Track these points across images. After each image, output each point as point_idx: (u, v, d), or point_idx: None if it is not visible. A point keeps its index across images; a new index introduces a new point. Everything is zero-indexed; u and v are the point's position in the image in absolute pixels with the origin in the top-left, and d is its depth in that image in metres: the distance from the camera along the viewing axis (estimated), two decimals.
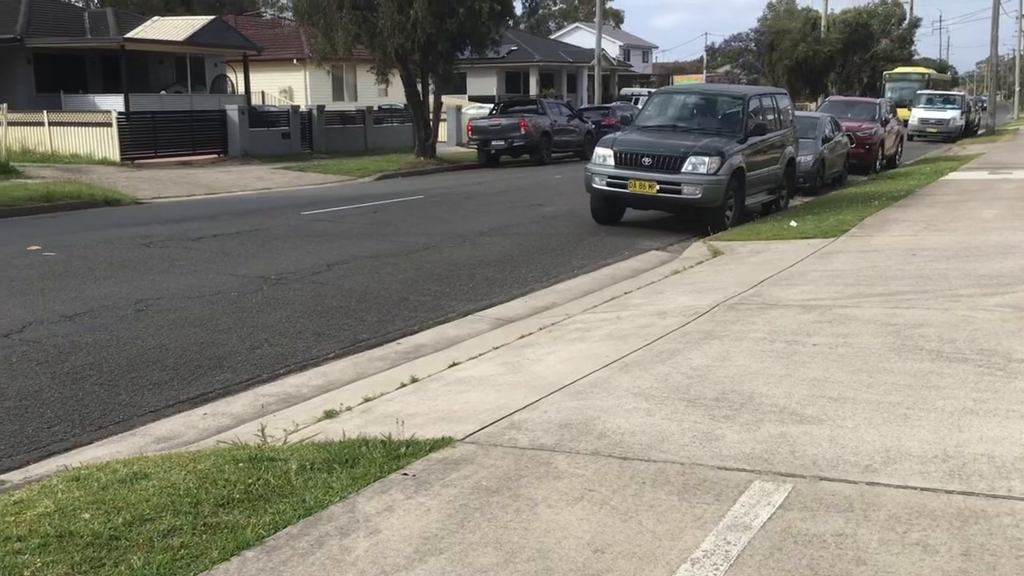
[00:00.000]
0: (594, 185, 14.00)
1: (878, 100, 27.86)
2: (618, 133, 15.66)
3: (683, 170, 13.19)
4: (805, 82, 56.48)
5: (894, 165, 26.00)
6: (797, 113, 19.32)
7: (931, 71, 54.68)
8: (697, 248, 11.84)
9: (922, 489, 3.86)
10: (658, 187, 13.32)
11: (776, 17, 65.24)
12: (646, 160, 13.46)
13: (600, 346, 6.59)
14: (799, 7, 67.30)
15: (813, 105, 49.47)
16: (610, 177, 13.73)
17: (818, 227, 12.41)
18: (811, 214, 14.19)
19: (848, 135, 21.95)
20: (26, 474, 4.82)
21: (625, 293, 8.96)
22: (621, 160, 13.67)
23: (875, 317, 6.95)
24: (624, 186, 13.59)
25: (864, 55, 57.27)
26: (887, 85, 48.68)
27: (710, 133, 14.12)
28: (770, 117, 15.34)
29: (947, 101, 42.30)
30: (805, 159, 18.05)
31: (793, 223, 13.03)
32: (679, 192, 13.23)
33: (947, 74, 72.05)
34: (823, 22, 57.47)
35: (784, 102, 16.54)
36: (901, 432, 4.52)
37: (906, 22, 67.53)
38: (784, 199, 16.13)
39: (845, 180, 21.23)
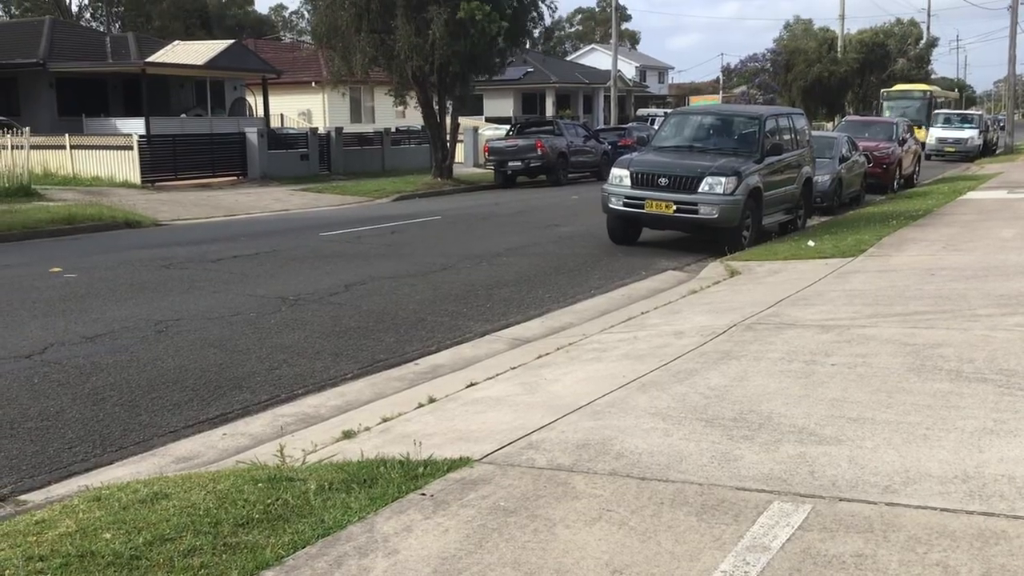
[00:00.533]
0: (611, 205, 14.02)
1: (895, 120, 27.81)
2: (634, 154, 15.69)
3: (700, 190, 13.20)
4: (822, 102, 56.54)
5: (912, 185, 25.92)
6: (814, 133, 19.32)
7: (934, 88, 51.19)
8: (714, 268, 11.83)
9: (942, 510, 3.84)
10: (675, 207, 13.33)
11: (792, 37, 65.25)
12: (663, 180, 13.49)
13: (617, 366, 6.59)
14: (816, 27, 67.33)
15: (830, 125, 49.37)
16: (627, 197, 13.75)
17: (836, 247, 12.38)
18: (829, 234, 14.16)
19: (865, 155, 21.92)
20: (48, 494, 4.86)
21: (642, 313, 8.96)
22: (638, 180, 13.70)
23: (894, 337, 6.93)
24: (641, 206, 13.61)
25: (881, 75, 57.33)
26: (885, 104, 45.88)
27: (726, 153, 14.14)
28: (786, 137, 15.35)
29: (965, 120, 42.24)
30: (822, 179, 18.03)
31: (811, 243, 13.00)
32: (696, 212, 13.23)
33: (954, 92, 65.96)
34: (840, 42, 57.54)
35: (800, 122, 16.54)
36: (921, 452, 4.50)
37: (923, 42, 67.53)
38: (801, 219, 16.12)
39: (863, 200, 21.18)
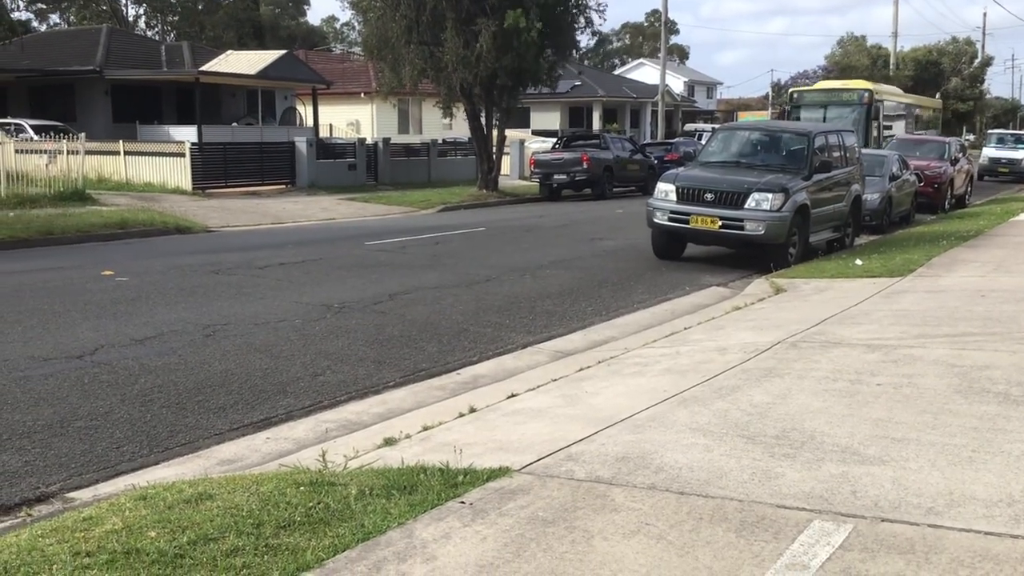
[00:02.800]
0: (655, 220, 13.99)
1: (948, 139, 27.39)
2: (680, 168, 15.64)
3: (746, 206, 13.12)
4: None
5: (963, 205, 25.55)
6: (864, 151, 19.12)
7: (883, 87, 33.94)
8: (759, 285, 11.75)
9: (986, 533, 3.79)
10: (720, 223, 13.26)
11: (844, 54, 64.63)
12: (708, 196, 13.43)
13: (659, 380, 6.57)
14: (869, 44, 66.64)
15: None
16: (672, 212, 13.71)
17: (884, 266, 12.23)
18: (877, 252, 14.00)
19: (916, 174, 21.65)
20: (95, 492, 4.96)
21: (685, 328, 8.92)
22: (683, 195, 13.65)
23: (941, 358, 6.84)
24: (686, 221, 13.56)
25: (934, 93, 56.54)
26: (799, 111, 29.38)
27: (774, 169, 14.04)
28: (836, 154, 15.21)
29: (1019, 140, 41.56)
30: (872, 197, 17.84)
31: (858, 261, 12.86)
32: (741, 228, 13.15)
33: (936, 97, 47.74)
34: (892, 59, 56.89)
35: (850, 139, 16.39)
36: (965, 475, 4.44)
37: (978, 60, 66.59)
38: (850, 237, 15.95)
39: (912, 219, 20.92)
